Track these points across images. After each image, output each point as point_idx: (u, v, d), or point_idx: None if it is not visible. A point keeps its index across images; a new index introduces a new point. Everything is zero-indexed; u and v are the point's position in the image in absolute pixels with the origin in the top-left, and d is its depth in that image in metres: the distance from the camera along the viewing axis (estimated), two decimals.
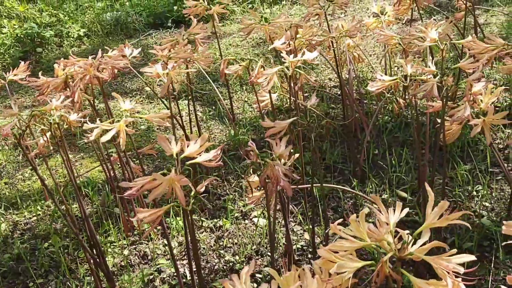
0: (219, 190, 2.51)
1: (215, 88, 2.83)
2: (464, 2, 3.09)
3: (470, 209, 2.25)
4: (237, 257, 2.07)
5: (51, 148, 1.66)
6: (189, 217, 1.32)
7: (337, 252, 1.03)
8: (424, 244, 1.02)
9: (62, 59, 2.07)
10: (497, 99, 3.04)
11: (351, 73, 2.82)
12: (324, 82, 3.68)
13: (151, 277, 2.00)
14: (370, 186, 2.39)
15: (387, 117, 2.99)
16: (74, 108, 1.86)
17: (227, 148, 2.85)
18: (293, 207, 2.32)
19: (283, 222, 2.10)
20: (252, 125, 3.09)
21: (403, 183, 2.42)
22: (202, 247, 2.15)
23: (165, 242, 2.20)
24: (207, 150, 1.37)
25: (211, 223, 2.28)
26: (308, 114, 1.52)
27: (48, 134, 1.58)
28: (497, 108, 2.93)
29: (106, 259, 2.08)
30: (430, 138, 2.36)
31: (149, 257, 2.11)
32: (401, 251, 0.99)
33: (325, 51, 3.21)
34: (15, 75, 2.21)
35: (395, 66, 3.38)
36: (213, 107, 3.38)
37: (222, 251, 2.11)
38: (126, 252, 2.13)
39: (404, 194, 2.35)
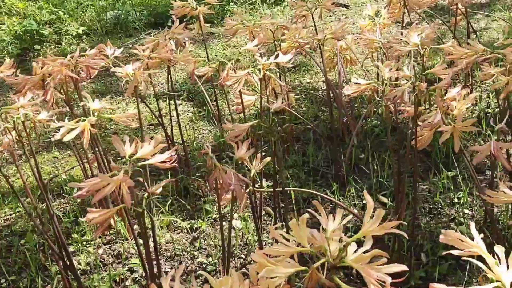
0: (200, 191, 2.50)
1: (203, 89, 2.82)
2: (457, 7, 3.05)
3: (450, 216, 2.22)
4: (210, 259, 2.06)
5: (16, 146, 1.67)
6: (142, 218, 1.32)
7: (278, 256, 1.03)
8: (366, 251, 1.01)
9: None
10: (488, 105, 3.02)
11: (341, 76, 2.79)
12: (317, 84, 3.66)
13: (122, 276, 2.00)
14: (351, 191, 2.37)
15: (375, 121, 2.96)
16: (47, 107, 1.87)
17: (212, 149, 2.84)
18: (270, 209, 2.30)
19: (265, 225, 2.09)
20: None
21: (385, 188, 2.39)
22: (177, 247, 2.14)
23: (141, 242, 2.20)
24: (162, 152, 1.36)
25: (188, 224, 2.27)
26: (270, 117, 1.51)
27: (14, 132, 1.58)
28: (487, 115, 2.90)
29: (80, 257, 2.09)
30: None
31: (123, 257, 2.11)
32: (336, 259, 0.98)
33: (314, 53, 3.20)
34: (0, 72, 2.23)
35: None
36: (204, 108, 3.37)
37: (196, 252, 2.11)
38: (100, 251, 2.13)
39: (384, 199, 2.32)
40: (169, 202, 2.34)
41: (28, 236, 2.13)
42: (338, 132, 2.91)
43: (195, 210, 2.37)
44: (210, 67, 2.01)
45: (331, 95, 2.85)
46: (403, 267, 0.95)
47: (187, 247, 2.15)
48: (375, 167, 2.50)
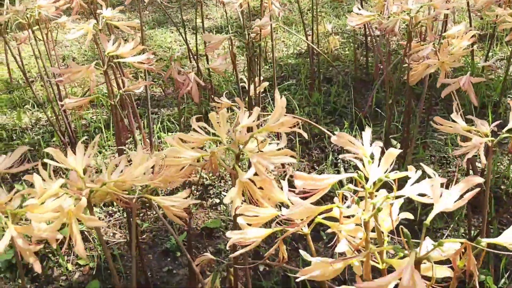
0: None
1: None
2: None
3: (459, 166, 2.16)
4: (211, 175, 2.20)
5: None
6: (116, 111, 1.45)
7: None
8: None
9: None
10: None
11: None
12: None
13: None
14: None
15: None
16: (72, 13, 2.05)
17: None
18: None
19: None
20: (279, 63, 3.13)
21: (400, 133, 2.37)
22: None
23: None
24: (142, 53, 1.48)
25: None
26: (248, 35, 1.55)
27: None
28: None
29: (99, 158, 2.31)
30: (430, 89, 2.28)
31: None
32: (238, 149, 1.05)
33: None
34: None
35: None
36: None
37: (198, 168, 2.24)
38: (116, 155, 2.34)
39: (395, 142, 2.30)
40: (182, 120, 2.49)
41: (55, 136, 2.39)
42: (371, 76, 2.87)
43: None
44: None
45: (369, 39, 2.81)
46: (291, 160, 1.00)
47: None
48: (395, 112, 2.46)
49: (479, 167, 2.00)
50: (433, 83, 2.21)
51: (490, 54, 2.82)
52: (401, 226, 0.75)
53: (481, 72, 2.74)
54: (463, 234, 1.83)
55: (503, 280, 1.57)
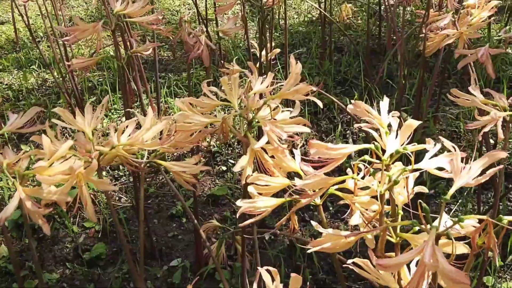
0: None
1: None
2: None
3: (470, 142, 2.13)
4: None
5: None
6: (124, 73, 1.42)
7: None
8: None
9: None
10: None
11: None
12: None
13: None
14: (373, 102, 2.33)
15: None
16: None
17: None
18: None
19: None
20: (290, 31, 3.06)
21: (411, 105, 2.33)
22: None
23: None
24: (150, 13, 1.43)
25: None
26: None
27: None
28: None
29: (105, 121, 2.29)
30: (444, 62, 2.23)
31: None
32: (249, 116, 1.02)
33: None
34: None
35: None
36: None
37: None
38: (123, 119, 2.31)
39: (404, 115, 2.26)
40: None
41: (62, 97, 2.36)
42: (384, 47, 2.81)
43: None
44: None
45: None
46: (304, 129, 0.98)
47: None
48: (406, 84, 2.41)
49: (491, 142, 1.97)
50: (447, 55, 2.16)
51: (507, 27, 2.74)
52: (419, 200, 0.72)
53: (497, 44, 2.67)
54: (471, 210, 1.81)
55: (510, 257, 1.56)
